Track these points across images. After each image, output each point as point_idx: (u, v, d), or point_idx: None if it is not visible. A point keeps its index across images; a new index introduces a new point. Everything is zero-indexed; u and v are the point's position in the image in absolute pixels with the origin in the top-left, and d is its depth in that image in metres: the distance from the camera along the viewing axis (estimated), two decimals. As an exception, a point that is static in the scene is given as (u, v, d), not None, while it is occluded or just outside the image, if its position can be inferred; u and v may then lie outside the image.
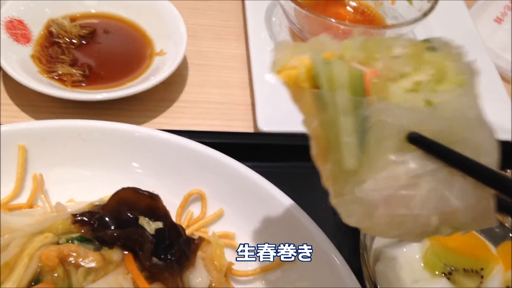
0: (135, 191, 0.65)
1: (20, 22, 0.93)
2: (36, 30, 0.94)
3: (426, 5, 0.94)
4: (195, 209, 0.74)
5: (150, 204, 0.66)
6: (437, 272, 0.67)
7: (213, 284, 0.63)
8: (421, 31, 1.08)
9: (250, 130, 0.95)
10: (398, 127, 0.41)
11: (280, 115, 0.92)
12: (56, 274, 0.56)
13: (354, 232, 0.67)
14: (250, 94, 1.00)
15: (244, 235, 0.72)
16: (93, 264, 0.58)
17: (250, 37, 1.02)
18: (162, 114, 0.94)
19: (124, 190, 0.65)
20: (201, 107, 0.97)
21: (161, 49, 0.96)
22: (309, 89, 0.45)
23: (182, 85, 0.99)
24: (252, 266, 0.69)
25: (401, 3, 1.02)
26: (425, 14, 0.91)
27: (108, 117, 0.90)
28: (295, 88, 0.47)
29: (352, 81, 0.43)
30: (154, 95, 0.94)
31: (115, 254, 0.60)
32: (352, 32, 0.50)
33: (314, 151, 0.47)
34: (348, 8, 1.08)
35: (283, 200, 0.71)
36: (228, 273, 0.68)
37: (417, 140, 0.40)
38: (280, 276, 0.68)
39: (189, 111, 0.96)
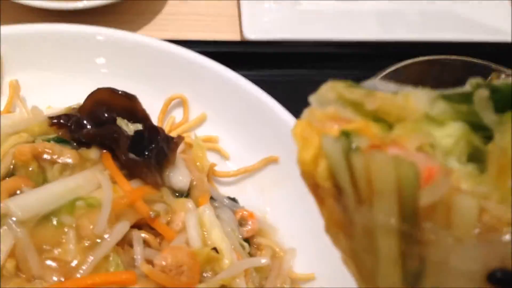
0: (111, 91, 0.63)
1: None
2: None
3: None
4: (177, 115, 0.73)
5: (129, 106, 0.64)
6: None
7: (194, 183, 0.62)
8: None
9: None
10: (472, 271, 0.27)
11: (267, 24, 0.89)
12: (30, 169, 0.55)
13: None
14: (237, 5, 0.96)
15: (227, 139, 0.71)
16: (69, 160, 0.57)
17: None
18: (144, 27, 0.91)
19: (100, 90, 0.63)
20: (186, 19, 0.93)
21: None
22: (330, 194, 0.30)
23: (163, -4, 0.95)
24: (235, 167, 0.68)
25: None
26: None
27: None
28: (312, 184, 0.31)
29: (401, 189, 0.27)
30: (133, 7, 0.90)
31: (92, 153, 0.59)
32: None
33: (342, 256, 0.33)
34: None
35: (268, 102, 0.69)
36: (210, 174, 0.67)
37: (502, 280, 0.27)
38: (264, 175, 0.67)
39: (173, 23, 0.92)
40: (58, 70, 0.71)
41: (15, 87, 0.69)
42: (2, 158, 0.55)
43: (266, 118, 0.69)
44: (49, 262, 0.47)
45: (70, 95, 0.69)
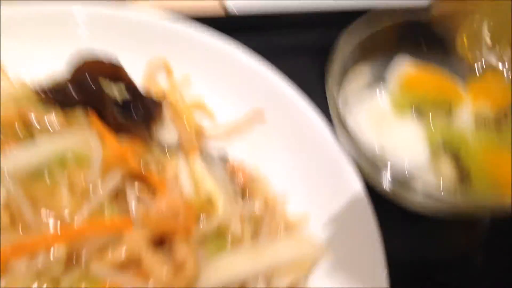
0: (96, 59, 0.64)
1: None
2: None
3: None
4: (161, 78, 0.73)
5: (114, 72, 0.65)
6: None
7: (183, 139, 0.63)
8: None
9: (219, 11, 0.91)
10: None
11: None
12: (18, 132, 0.55)
13: (322, 80, 0.66)
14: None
15: (213, 97, 0.71)
16: (56, 122, 0.57)
17: None
18: None
19: (84, 59, 0.64)
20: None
21: None
22: None
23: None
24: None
25: None
26: None
27: None
28: None
29: None
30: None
31: (78, 114, 0.60)
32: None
33: None
34: None
35: (251, 62, 0.70)
36: (198, 131, 0.68)
37: None
38: (253, 134, 0.68)
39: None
40: (41, 44, 0.72)
41: (-2, 63, 0.69)
42: (-12, 125, 0.55)
43: (251, 77, 0.70)
44: (44, 214, 0.48)
45: (55, 66, 0.69)
